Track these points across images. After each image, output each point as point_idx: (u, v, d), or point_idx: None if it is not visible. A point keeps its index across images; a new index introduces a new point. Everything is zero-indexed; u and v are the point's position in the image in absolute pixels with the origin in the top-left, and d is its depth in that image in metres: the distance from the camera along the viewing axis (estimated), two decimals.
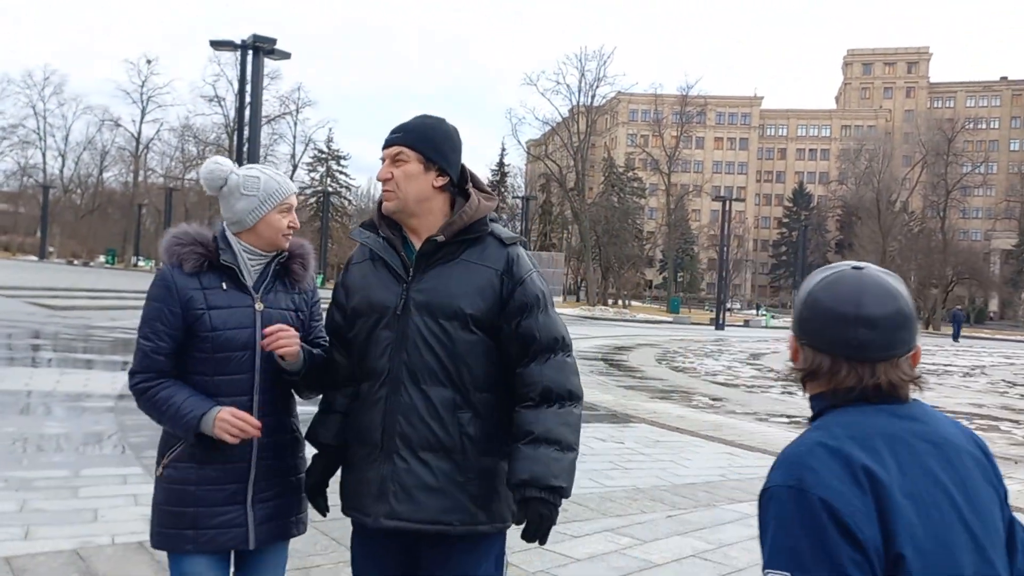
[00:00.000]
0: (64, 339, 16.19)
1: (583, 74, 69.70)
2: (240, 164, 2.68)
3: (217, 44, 17.65)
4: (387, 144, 2.29)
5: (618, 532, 5.42)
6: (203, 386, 2.41)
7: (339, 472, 2.49)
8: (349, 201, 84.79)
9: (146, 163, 76.53)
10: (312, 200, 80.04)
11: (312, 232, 74.61)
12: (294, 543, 4.85)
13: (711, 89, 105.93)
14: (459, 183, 2.32)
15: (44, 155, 77.75)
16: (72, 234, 74.04)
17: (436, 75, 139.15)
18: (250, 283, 2.47)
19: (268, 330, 2.37)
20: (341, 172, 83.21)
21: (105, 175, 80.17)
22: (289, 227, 2.50)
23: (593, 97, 70.31)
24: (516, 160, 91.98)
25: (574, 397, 2.24)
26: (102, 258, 67.39)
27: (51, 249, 67.66)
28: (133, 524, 5.01)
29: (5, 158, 77.68)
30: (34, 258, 62.92)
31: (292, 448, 2.55)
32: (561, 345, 2.26)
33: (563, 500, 2.20)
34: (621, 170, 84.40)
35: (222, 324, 2.39)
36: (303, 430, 2.61)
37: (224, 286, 2.43)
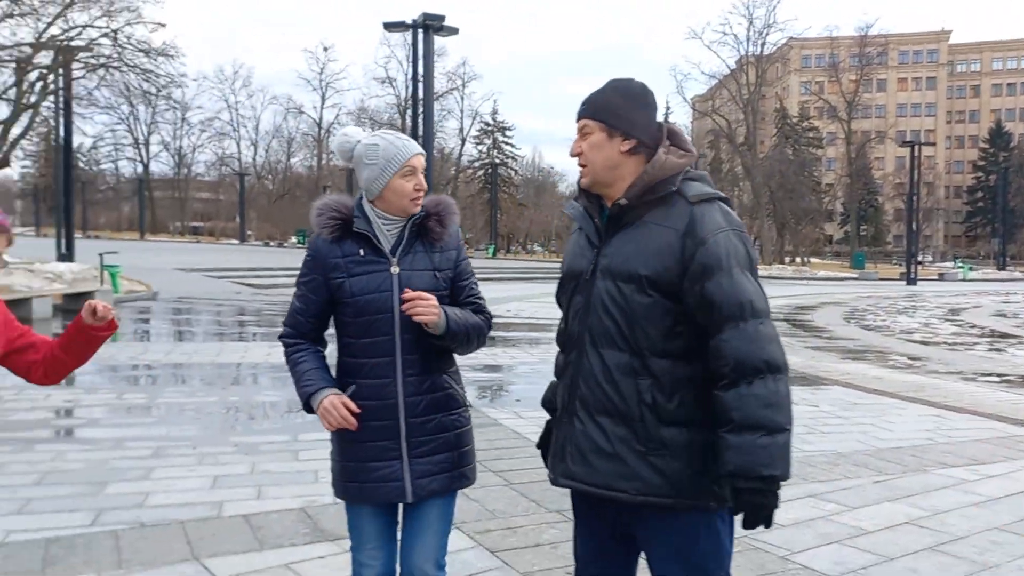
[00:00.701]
0: (268, 315, 17.55)
1: (751, 22, 66.56)
2: (418, 141, 2.76)
3: (390, 26, 18.33)
4: (577, 119, 2.27)
5: (822, 498, 5.24)
6: (351, 348, 2.54)
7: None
8: (515, 171, 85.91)
9: (327, 147, 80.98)
10: (480, 172, 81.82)
11: (481, 203, 76.40)
12: (495, 503, 5.05)
13: (892, 27, 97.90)
14: (655, 142, 2.22)
15: (239, 145, 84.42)
16: (266, 217, 79.90)
17: (594, 34, 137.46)
18: (387, 248, 2.52)
19: (405, 296, 2.42)
20: (507, 143, 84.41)
21: (292, 160, 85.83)
22: (415, 190, 2.51)
23: (763, 46, 67.05)
24: (681, 118, 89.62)
25: (773, 368, 2.05)
26: (294, 239, 72.37)
27: (249, 232, 73.41)
28: None
29: (205, 150, 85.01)
30: (235, 241, 68.49)
31: (446, 404, 2.58)
32: (750, 311, 2.07)
33: (782, 483, 2.05)
34: (795, 120, 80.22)
35: (360, 290, 2.48)
36: (461, 388, 2.66)
37: (361, 252, 2.51)
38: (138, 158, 80.00)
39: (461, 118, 78.27)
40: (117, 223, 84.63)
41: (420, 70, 17.61)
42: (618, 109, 2.20)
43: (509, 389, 9.86)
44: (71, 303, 16.08)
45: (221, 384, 9.37)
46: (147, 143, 79.83)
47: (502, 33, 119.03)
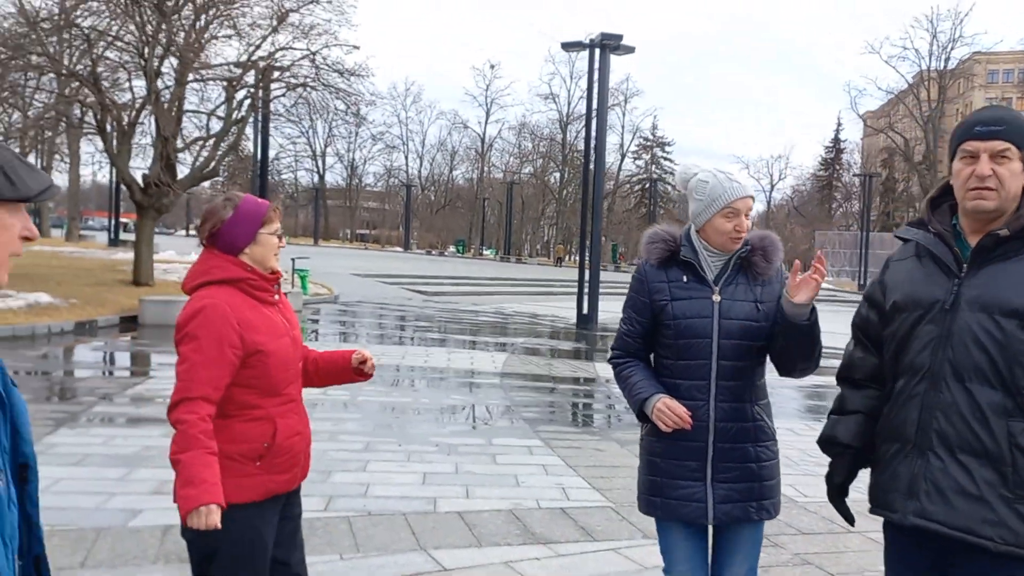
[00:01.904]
0: (440, 321, 18.28)
1: (935, 36, 62.74)
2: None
3: (567, 45, 18.73)
4: (985, 135, 2.09)
5: None
6: (668, 368, 2.67)
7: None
8: (673, 187, 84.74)
9: (489, 160, 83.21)
10: (637, 188, 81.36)
11: (638, 219, 75.97)
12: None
13: None
14: None
15: (406, 158, 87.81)
16: (428, 227, 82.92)
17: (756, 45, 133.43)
18: (710, 277, 2.64)
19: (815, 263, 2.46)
20: (666, 158, 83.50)
21: (454, 173, 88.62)
22: (735, 230, 2.61)
23: (947, 61, 63.03)
24: (852, 135, 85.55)
25: None
26: (452, 248, 74.67)
27: (413, 241, 76.35)
28: (552, 492, 5.64)
29: (375, 162, 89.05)
30: (399, 249, 71.41)
31: (754, 435, 2.63)
32: None
33: None
34: None
35: (682, 314, 2.62)
36: (771, 421, 2.70)
37: (685, 279, 2.65)
38: (315, 169, 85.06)
39: (622, 133, 78.20)
40: (293, 229, 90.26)
41: (595, 88, 17.88)
42: None
43: None
44: None
45: (408, 386, 9.91)
46: (323, 155, 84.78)
47: (663, 45, 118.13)
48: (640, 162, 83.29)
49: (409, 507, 5.15)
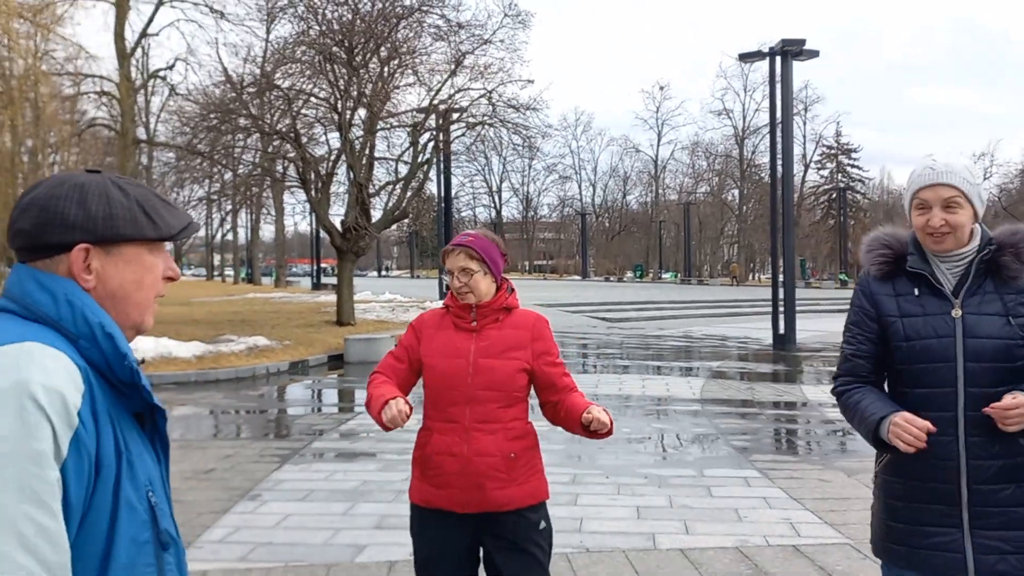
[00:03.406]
0: (628, 347, 18.00)
1: None
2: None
3: (745, 56, 18.08)
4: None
5: None
6: (904, 399, 2.25)
7: None
8: (863, 195, 79.89)
9: (663, 182, 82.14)
10: (823, 198, 77.35)
11: (825, 231, 72.10)
12: None
13: None
14: None
15: (579, 186, 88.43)
16: (604, 254, 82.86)
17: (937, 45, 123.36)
18: (947, 287, 2.24)
19: (990, 410, 2.09)
20: (852, 165, 78.90)
21: (627, 198, 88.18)
22: (929, 226, 2.22)
23: None
24: None
25: None
26: (630, 273, 74.00)
27: (591, 269, 76.56)
28: (779, 527, 5.25)
29: (549, 193, 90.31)
30: (577, 278, 71.75)
31: (1022, 474, 2.18)
32: None
33: None
34: None
35: (915, 333, 2.22)
36: None
37: (916, 291, 2.26)
38: (492, 204, 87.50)
39: (804, 143, 74.77)
40: None
41: (779, 97, 17.12)
42: None
43: None
44: None
45: (630, 415, 9.72)
46: (500, 190, 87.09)
47: (845, 45, 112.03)
48: (825, 172, 79.28)
49: (628, 543, 4.95)
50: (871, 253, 2.36)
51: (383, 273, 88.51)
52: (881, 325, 2.30)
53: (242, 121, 18.76)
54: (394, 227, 39.86)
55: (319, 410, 11.40)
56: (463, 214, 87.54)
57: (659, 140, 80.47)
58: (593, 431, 2.70)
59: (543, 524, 2.84)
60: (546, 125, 24.33)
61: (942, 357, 2.20)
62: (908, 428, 2.12)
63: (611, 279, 69.54)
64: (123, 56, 20.40)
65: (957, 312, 2.22)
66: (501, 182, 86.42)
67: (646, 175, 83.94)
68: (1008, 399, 2.07)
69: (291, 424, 9.90)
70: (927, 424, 2.12)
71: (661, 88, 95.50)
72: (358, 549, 4.88)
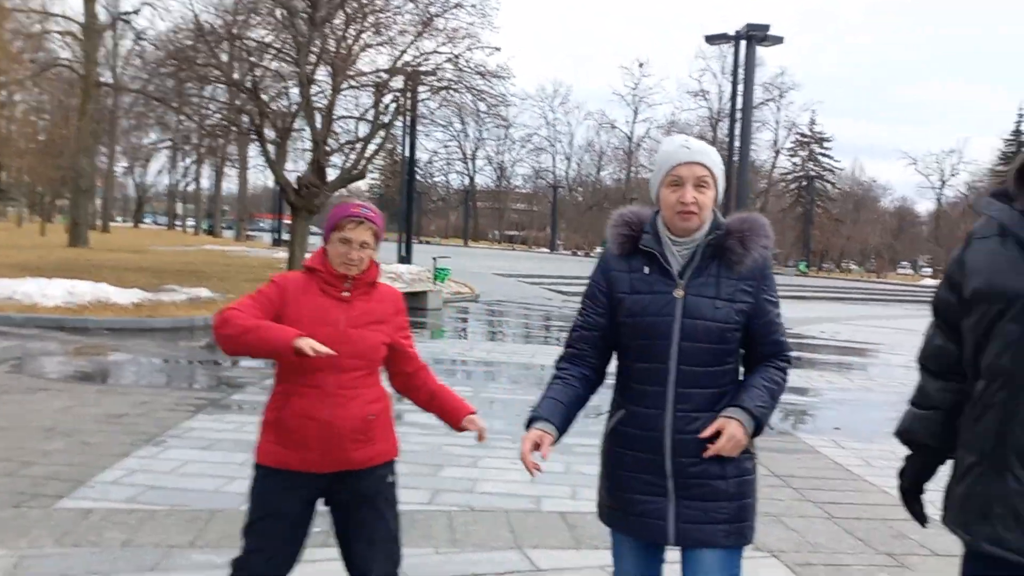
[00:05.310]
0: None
1: None
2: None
3: (711, 38, 18.15)
4: None
5: None
6: (628, 371, 2.37)
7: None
8: (832, 184, 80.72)
9: (637, 160, 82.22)
10: (793, 186, 78.05)
11: (792, 218, 72.82)
12: (816, 536, 4.74)
13: None
14: None
15: (553, 159, 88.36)
16: (575, 228, 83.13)
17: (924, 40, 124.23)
18: (675, 268, 2.30)
19: (707, 455, 2.26)
20: (824, 155, 79.62)
21: (601, 174, 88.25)
22: (679, 203, 2.26)
23: None
24: None
25: None
26: (599, 249, 74.53)
27: (559, 242, 76.83)
28: None
29: (523, 164, 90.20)
30: (545, 250, 72.08)
31: None
32: None
33: None
34: None
35: (641, 310, 2.30)
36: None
37: (647, 270, 2.32)
38: (466, 172, 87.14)
39: (776, 129, 75.23)
40: (444, 230, 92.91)
41: (740, 82, 17.23)
42: None
43: (825, 415, 9.27)
44: (410, 301, 17.91)
45: (535, 384, 9.86)
46: (474, 158, 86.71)
47: (830, 38, 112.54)
48: (796, 159, 79.89)
49: (513, 505, 5.08)
50: (613, 229, 2.40)
51: None
52: (612, 301, 2.38)
53: (199, 69, 18.47)
54: (364, 188, 39.56)
55: (247, 364, 11.40)
56: (436, 179, 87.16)
57: (635, 117, 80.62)
58: (463, 428, 2.96)
59: (390, 478, 2.95)
60: (513, 95, 24.16)
61: (662, 335, 2.28)
62: (525, 448, 2.32)
63: (579, 253, 69.80)
64: None
65: (680, 292, 2.29)
66: (476, 150, 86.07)
67: (621, 152, 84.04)
68: (714, 433, 2.25)
69: (216, 376, 9.92)
70: (530, 460, 2.32)
71: (640, 65, 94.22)
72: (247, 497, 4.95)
